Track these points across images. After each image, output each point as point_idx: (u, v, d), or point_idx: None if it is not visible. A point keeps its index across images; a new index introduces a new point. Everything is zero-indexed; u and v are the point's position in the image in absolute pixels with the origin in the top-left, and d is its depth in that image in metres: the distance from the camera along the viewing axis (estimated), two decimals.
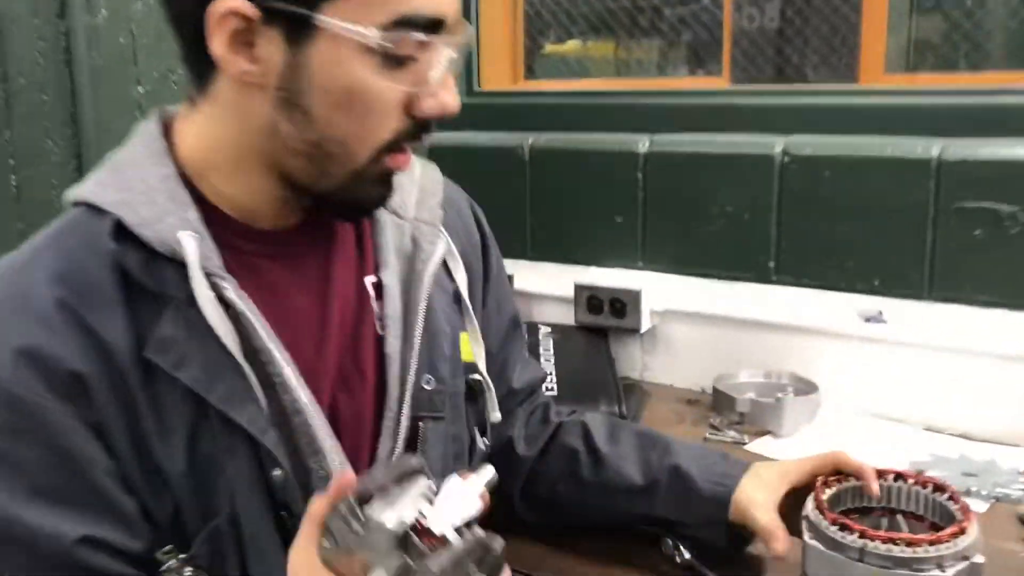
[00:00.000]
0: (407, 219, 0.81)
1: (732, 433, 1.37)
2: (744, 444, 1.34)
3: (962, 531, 0.78)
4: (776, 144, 1.48)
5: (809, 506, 0.84)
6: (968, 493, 1.13)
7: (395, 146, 0.69)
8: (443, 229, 0.83)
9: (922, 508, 0.86)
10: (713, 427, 1.39)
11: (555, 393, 1.41)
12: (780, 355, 1.45)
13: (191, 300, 0.68)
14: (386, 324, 0.77)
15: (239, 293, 0.70)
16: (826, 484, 0.86)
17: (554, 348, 1.55)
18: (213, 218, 0.72)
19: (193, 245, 0.69)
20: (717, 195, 1.52)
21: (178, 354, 0.68)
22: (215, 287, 0.70)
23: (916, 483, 0.86)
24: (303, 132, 0.67)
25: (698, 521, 0.93)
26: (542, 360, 1.52)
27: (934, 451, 1.26)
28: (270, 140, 0.69)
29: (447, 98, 0.70)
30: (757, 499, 0.89)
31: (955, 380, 1.32)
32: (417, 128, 0.70)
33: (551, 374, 1.48)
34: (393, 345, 0.77)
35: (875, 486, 0.85)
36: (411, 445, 0.78)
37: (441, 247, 0.81)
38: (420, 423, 0.78)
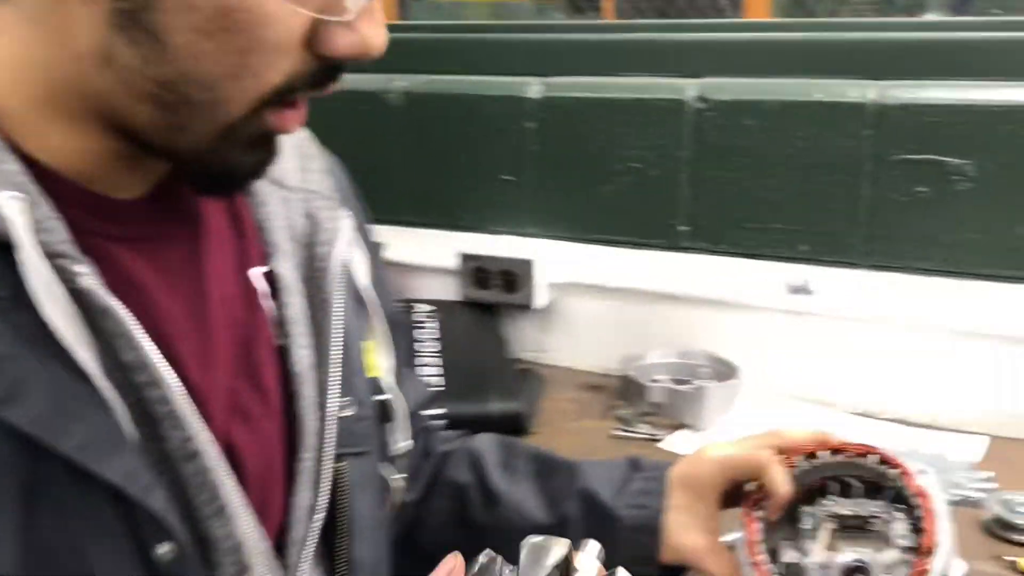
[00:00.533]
0: (292, 190, 0.66)
1: (644, 427, 1.21)
2: (658, 440, 1.18)
3: (929, 550, 0.61)
4: (688, 88, 1.31)
5: (741, 553, 0.67)
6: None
7: (285, 96, 0.52)
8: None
9: (873, 477, 0.70)
10: (621, 420, 1.23)
11: (443, 387, 1.23)
12: (694, 332, 1.32)
13: (19, 297, 0.47)
14: (289, 331, 0.62)
15: (98, 282, 0.51)
16: (755, 503, 0.70)
17: (439, 329, 1.36)
18: (36, 176, 0.50)
19: (18, 210, 0.47)
20: (622, 148, 1.36)
21: (5, 384, 0.46)
22: (61, 274, 0.49)
23: (858, 455, 0.69)
24: (152, 66, 0.49)
25: (623, 558, 0.75)
26: (424, 344, 1.34)
27: (876, 442, 1.11)
28: (101, 73, 0.50)
29: (370, 32, 0.51)
30: (698, 544, 0.73)
31: (893, 359, 1.21)
32: (322, 73, 0.52)
33: (438, 357, 1.29)
34: (302, 359, 0.62)
35: (775, 513, 0.69)
36: (334, 493, 0.63)
37: (346, 225, 0.67)
38: (341, 462, 0.63)
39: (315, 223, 0.66)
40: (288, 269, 0.63)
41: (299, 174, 0.67)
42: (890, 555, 0.64)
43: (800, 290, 1.26)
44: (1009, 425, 1.15)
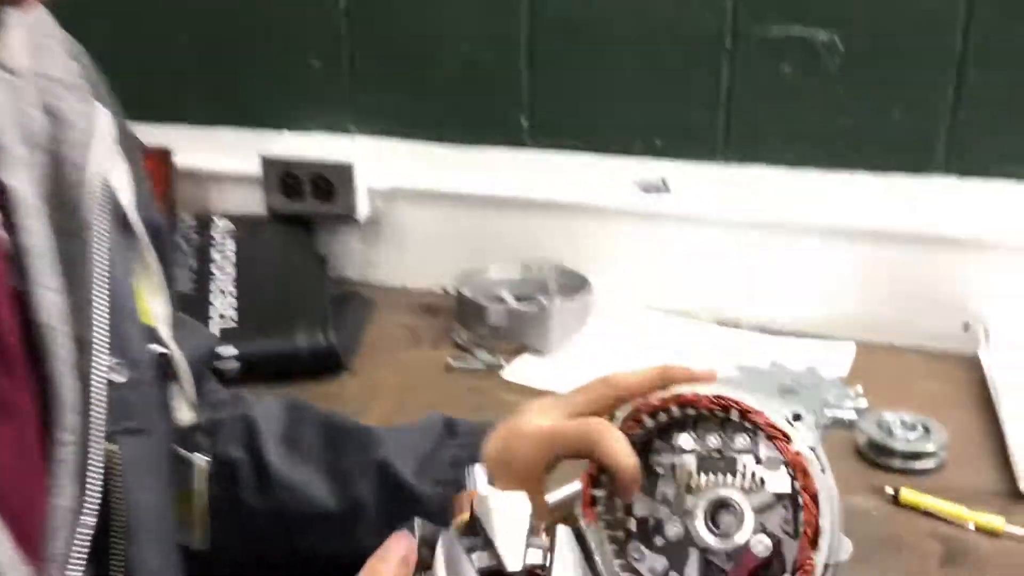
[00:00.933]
0: (22, 75, 0.53)
1: (483, 354, 1.08)
2: (500, 368, 1.06)
3: (814, 541, 0.50)
4: None
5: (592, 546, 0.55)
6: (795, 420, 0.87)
7: None
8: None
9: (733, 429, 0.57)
10: (458, 347, 1.10)
11: (235, 324, 1.05)
12: (539, 241, 1.21)
13: None
14: (28, 267, 0.49)
15: None
16: (594, 480, 0.56)
17: (237, 251, 1.18)
18: None
19: None
20: (451, 27, 1.20)
21: None
22: None
23: (716, 409, 0.56)
24: None
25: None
26: (221, 268, 1.16)
27: (739, 359, 1.02)
28: None
29: None
30: None
31: (757, 261, 1.13)
32: None
33: (235, 285, 1.12)
34: (50, 306, 0.49)
35: (630, 496, 0.57)
36: (106, 484, 0.50)
37: (104, 122, 0.55)
38: (113, 443, 0.51)
39: (59, 121, 0.53)
40: (24, 183, 0.50)
41: (31, 55, 0.53)
42: (761, 497, 0.52)
43: (655, 188, 1.14)
44: (875, 329, 1.08)
